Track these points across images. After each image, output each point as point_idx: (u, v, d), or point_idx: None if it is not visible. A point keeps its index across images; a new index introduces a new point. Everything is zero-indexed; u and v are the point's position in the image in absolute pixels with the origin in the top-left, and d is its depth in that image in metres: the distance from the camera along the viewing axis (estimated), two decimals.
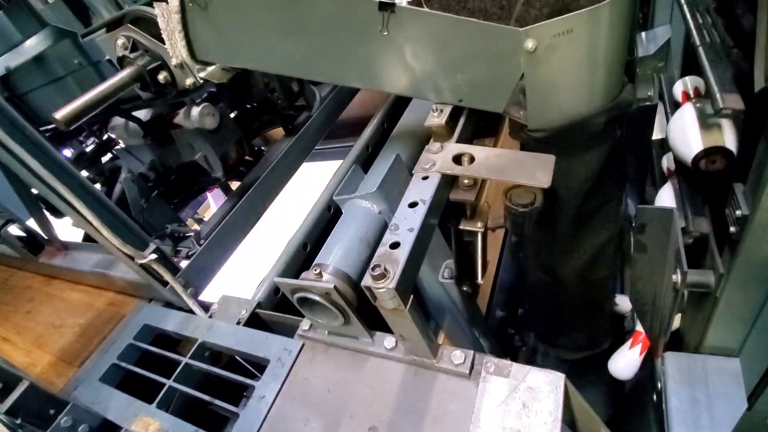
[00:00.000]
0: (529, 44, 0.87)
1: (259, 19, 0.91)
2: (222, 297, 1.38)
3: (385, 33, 0.90)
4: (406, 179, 1.13)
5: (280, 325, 1.29)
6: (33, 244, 1.95)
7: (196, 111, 1.53)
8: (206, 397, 1.10)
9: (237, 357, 1.26)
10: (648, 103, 2.03)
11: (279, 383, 1.03)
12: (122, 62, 1.07)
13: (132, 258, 1.24)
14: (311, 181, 2.52)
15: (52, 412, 1.10)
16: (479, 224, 1.03)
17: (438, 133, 1.00)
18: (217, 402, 1.07)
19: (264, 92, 2.00)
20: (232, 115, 1.91)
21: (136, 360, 1.36)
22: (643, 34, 2.11)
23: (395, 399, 0.91)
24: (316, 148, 2.29)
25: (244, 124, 2.14)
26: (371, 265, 0.74)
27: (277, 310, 1.35)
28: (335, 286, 0.85)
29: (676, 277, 1.02)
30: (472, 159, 0.93)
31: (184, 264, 1.40)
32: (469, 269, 1.19)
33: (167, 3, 0.87)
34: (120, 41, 1.05)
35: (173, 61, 1.03)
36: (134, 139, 1.76)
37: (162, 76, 1.08)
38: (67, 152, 2.25)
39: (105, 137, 2.18)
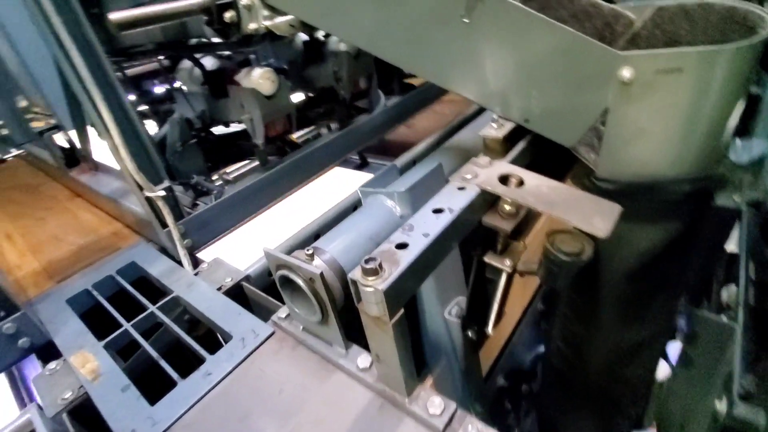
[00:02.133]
0: (626, 74, 0.74)
1: None
2: (214, 259, 1.30)
3: (466, 20, 0.80)
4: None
5: (259, 306, 1.17)
6: (70, 157, 1.99)
7: (257, 72, 1.50)
8: (154, 353, 0.99)
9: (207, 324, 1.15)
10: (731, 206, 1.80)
11: (232, 365, 0.91)
12: None
13: (141, 188, 1.19)
14: (346, 187, 2.45)
15: (1, 314, 1.03)
16: (508, 262, 0.87)
17: (491, 148, 0.88)
18: (162, 363, 0.96)
19: (330, 80, 1.97)
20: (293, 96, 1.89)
21: (110, 295, 1.29)
22: (738, 139, 1.90)
23: (348, 429, 0.75)
24: (358, 159, 2.22)
25: (302, 108, 2.12)
26: (366, 257, 0.61)
27: (265, 292, 1.24)
28: (322, 273, 0.73)
29: (720, 406, 0.82)
30: (520, 183, 0.80)
31: None
32: (481, 313, 1.03)
33: None
34: None
35: (242, 1, 0.99)
36: (194, 86, 1.76)
37: (229, 15, 1.04)
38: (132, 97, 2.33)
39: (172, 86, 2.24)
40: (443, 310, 1.12)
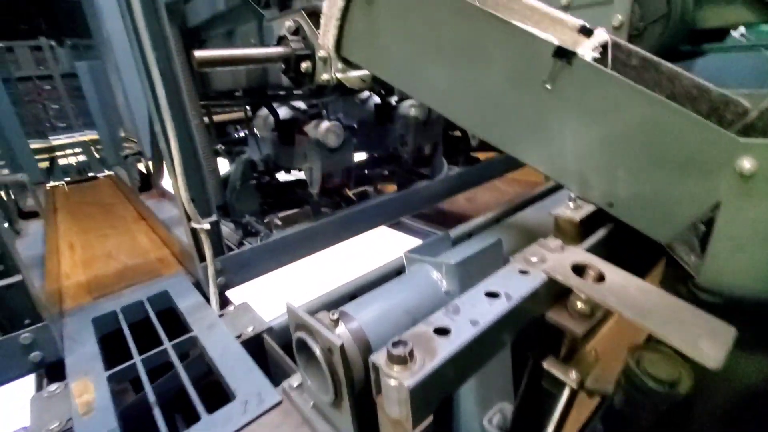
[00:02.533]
0: (747, 165, 0.60)
1: (417, 32, 0.83)
2: (242, 304, 1.23)
3: (548, 86, 0.72)
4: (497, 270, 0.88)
5: (275, 364, 1.06)
6: (145, 182, 2.12)
7: (324, 124, 1.52)
8: (152, 398, 0.90)
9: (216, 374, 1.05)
10: None
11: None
12: (280, 41, 1.08)
13: (189, 219, 1.18)
14: (393, 249, 2.37)
15: (27, 321, 1.02)
16: (574, 376, 0.70)
17: (564, 230, 0.75)
18: (156, 413, 0.86)
19: (395, 142, 1.98)
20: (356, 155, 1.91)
21: (136, 320, 1.25)
22: None
23: None
24: (409, 223, 2.15)
25: (363, 166, 2.13)
26: (394, 339, 0.50)
27: (286, 349, 1.13)
28: (342, 346, 0.61)
29: None
30: (600, 277, 0.65)
31: None
32: (529, 428, 0.83)
33: None
34: (288, 23, 1.07)
35: (320, 53, 1.00)
36: (266, 131, 1.84)
37: (305, 65, 1.06)
38: None
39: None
40: (482, 417, 0.93)
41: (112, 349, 1.17)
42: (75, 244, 1.93)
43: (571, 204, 0.75)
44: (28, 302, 0.99)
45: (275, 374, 1.10)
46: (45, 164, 3.44)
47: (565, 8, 1.10)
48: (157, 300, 1.30)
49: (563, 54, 0.67)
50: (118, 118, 2.37)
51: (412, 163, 2.01)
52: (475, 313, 0.58)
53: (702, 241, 0.78)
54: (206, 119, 3.06)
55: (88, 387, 0.95)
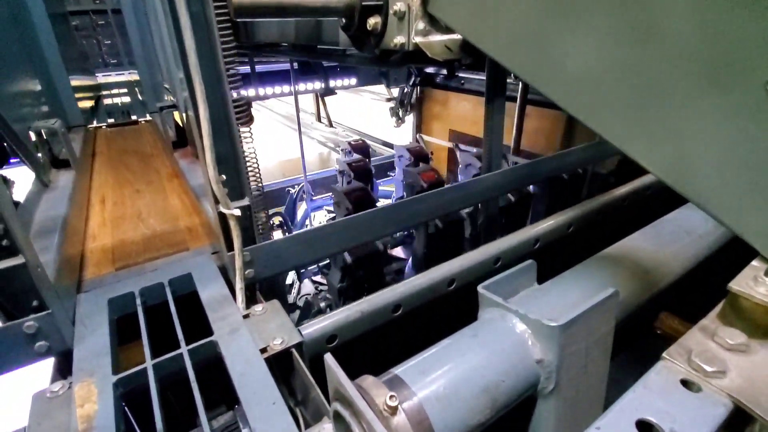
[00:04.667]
0: None
1: None
2: (271, 303, 1.06)
3: None
4: (606, 336, 0.64)
5: (302, 388, 0.90)
6: (180, 136, 1.97)
7: None
8: (156, 411, 0.76)
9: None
10: None
11: None
12: None
13: (217, 201, 1.00)
14: None
15: (34, 304, 0.89)
16: None
17: (748, 315, 0.49)
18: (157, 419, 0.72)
19: None
20: None
21: (155, 303, 1.13)
22: None
23: None
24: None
25: None
26: None
27: (315, 366, 0.96)
28: None
29: None
30: None
31: None
32: None
33: None
34: None
35: (396, 5, 0.74)
36: None
37: (373, 21, 0.80)
38: None
39: None
40: None
41: (126, 326, 1.05)
42: (107, 199, 1.84)
43: (761, 277, 0.49)
44: (32, 285, 0.86)
45: (301, 397, 0.95)
46: (90, 103, 3.36)
47: None
48: (179, 284, 1.16)
49: None
50: (157, 62, 2.19)
51: None
52: None
53: None
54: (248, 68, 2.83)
55: (92, 393, 0.82)
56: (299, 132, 3.95)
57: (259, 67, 2.93)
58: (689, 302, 0.90)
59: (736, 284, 0.50)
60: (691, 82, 0.49)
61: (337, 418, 0.56)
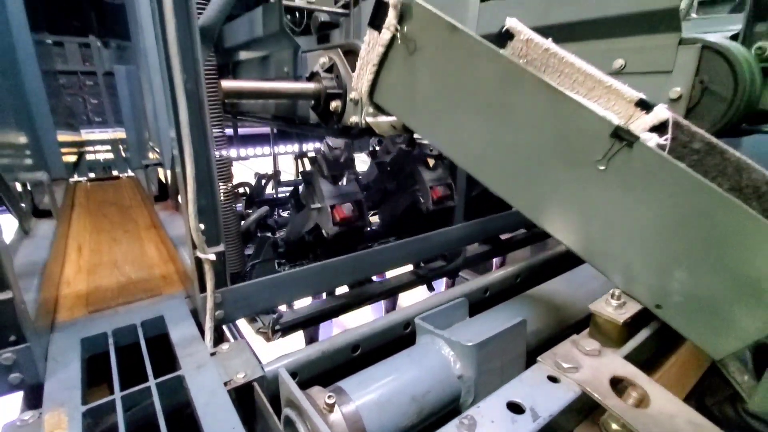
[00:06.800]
0: None
1: (457, 88, 0.77)
2: (237, 342, 1.15)
3: (602, 167, 0.64)
4: (519, 357, 0.78)
5: (262, 422, 0.97)
6: (162, 191, 2.10)
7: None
8: None
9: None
10: None
11: None
12: (312, 77, 1.04)
13: (194, 246, 1.13)
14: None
15: (12, 339, 0.96)
16: None
17: (602, 329, 0.65)
18: None
19: (410, 198, 1.92)
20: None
21: (126, 344, 1.19)
22: None
23: None
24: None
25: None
26: None
27: (276, 403, 1.04)
28: None
29: None
30: (642, 400, 0.55)
31: None
32: None
33: (380, 34, 0.80)
34: (322, 60, 1.03)
35: (351, 95, 0.95)
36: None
37: (335, 104, 1.01)
38: None
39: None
40: None
41: (97, 368, 1.11)
42: (83, 247, 1.91)
43: (612, 301, 0.66)
44: (15, 320, 0.94)
45: (260, 427, 1.01)
46: (74, 158, 3.48)
47: (617, 74, 1.03)
48: (150, 325, 1.23)
49: (623, 136, 0.60)
50: (145, 124, 2.38)
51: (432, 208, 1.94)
52: (495, 430, 0.49)
53: (759, 360, 0.68)
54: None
55: (62, 421, 0.88)
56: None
57: (241, 131, 3.17)
58: None
59: (593, 306, 0.67)
60: (551, 159, 0.69)
61: (287, 424, 0.66)
